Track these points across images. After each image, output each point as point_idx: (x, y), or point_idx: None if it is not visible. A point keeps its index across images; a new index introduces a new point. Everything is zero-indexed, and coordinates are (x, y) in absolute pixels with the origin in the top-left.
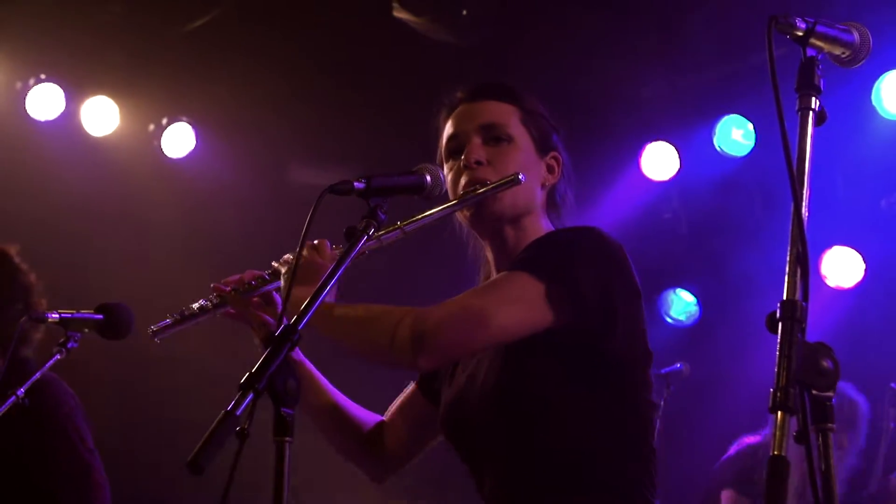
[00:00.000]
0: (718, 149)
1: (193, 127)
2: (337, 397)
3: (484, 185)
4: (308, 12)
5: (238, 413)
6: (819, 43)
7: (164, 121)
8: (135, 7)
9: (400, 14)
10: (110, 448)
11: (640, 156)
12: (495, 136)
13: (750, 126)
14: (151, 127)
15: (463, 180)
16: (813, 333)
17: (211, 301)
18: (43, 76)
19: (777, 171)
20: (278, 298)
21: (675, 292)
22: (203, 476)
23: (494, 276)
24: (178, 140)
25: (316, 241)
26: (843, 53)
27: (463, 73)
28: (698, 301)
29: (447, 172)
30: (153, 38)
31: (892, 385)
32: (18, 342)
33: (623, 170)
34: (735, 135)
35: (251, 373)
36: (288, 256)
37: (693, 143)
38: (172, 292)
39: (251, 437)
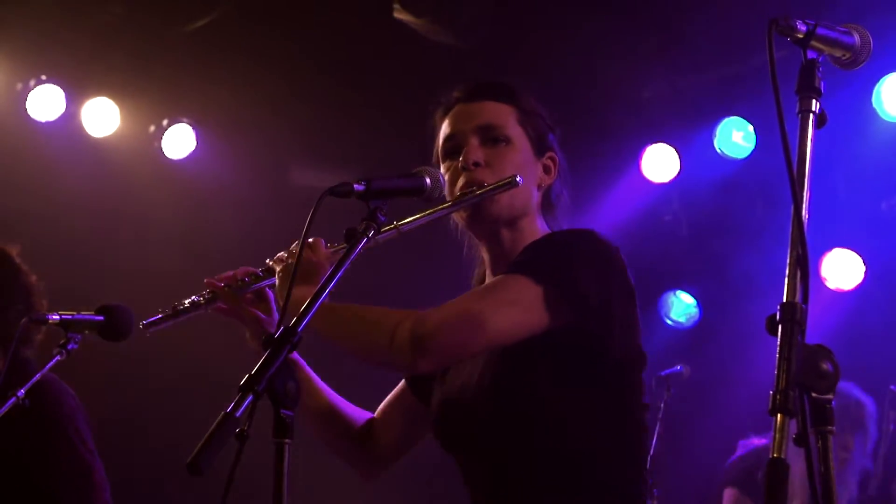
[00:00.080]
0: (719, 151)
1: (194, 128)
2: (330, 397)
3: (481, 186)
4: (308, 13)
5: (238, 415)
6: (819, 45)
7: (165, 122)
8: (135, 8)
9: (401, 15)
10: (110, 448)
11: (641, 157)
12: (493, 138)
13: (750, 128)
14: (152, 128)
15: (460, 181)
16: (813, 336)
17: (203, 296)
18: (43, 77)
19: (777, 173)
20: (271, 295)
21: (675, 294)
22: (203, 476)
23: (490, 276)
24: (179, 141)
25: (311, 240)
26: (844, 56)
27: (463, 74)
28: (698, 303)
29: (444, 172)
30: (154, 39)
31: (893, 387)
32: (19, 343)
33: (623, 171)
34: (735, 137)
35: (251, 374)
36: (282, 254)
37: (693, 145)
38: (172, 293)
39: (251, 438)
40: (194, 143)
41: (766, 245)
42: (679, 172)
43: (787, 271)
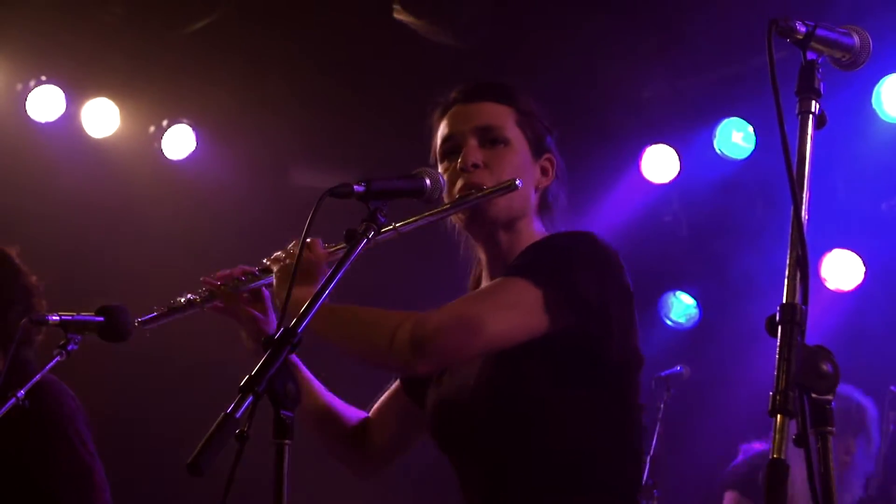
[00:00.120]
0: (719, 151)
1: (194, 129)
2: (326, 397)
3: (480, 189)
4: (308, 13)
5: (238, 415)
6: (819, 46)
7: (165, 123)
8: (135, 9)
9: (400, 16)
10: (110, 448)
11: (641, 158)
12: (491, 139)
13: (750, 129)
14: (152, 129)
15: (459, 183)
16: (813, 336)
17: (200, 295)
18: (43, 78)
19: (777, 174)
20: (268, 294)
21: (675, 295)
22: (203, 477)
23: (486, 277)
24: (179, 142)
25: (308, 240)
26: (844, 57)
27: (463, 74)
28: (698, 304)
29: (442, 172)
30: (154, 39)
31: (892, 388)
32: (19, 344)
33: (623, 172)
34: (735, 137)
35: (251, 375)
36: (279, 254)
37: (693, 146)
38: (172, 294)
39: (251, 439)
40: (194, 144)
41: (765, 246)
42: (679, 173)
43: (786, 272)
